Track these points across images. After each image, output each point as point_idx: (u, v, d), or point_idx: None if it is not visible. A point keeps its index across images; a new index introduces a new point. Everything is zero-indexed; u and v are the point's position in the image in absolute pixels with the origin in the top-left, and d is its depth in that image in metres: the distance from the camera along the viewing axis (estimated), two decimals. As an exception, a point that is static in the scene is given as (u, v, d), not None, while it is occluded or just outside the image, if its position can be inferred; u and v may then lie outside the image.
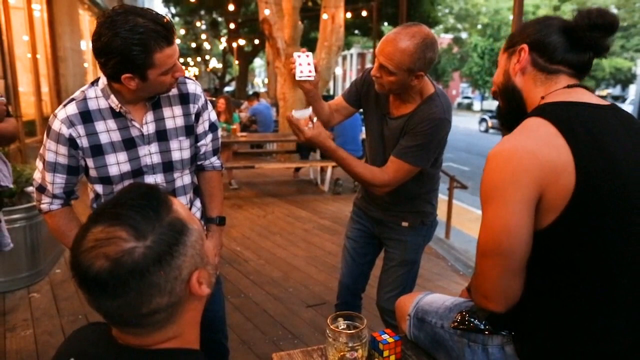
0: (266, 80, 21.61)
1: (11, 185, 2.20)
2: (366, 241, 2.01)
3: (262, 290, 3.29)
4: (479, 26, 30.75)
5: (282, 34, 8.06)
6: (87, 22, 8.98)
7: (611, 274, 0.94)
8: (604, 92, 36.15)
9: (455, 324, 1.16)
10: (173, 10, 19.86)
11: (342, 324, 1.17)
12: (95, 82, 1.39)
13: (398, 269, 1.92)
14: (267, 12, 7.92)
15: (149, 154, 1.44)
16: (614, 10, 29.73)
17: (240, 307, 3.00)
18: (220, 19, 20.30)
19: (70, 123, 1.33)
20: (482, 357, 1.10)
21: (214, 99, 6.94)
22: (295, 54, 1.57)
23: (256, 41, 18.82)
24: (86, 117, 1.35)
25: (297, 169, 7.34)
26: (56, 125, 1.34)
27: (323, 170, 6.65)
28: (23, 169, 3.50)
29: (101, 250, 0.65)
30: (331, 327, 1.13)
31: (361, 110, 1.93)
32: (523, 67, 1.07)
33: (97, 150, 1.37)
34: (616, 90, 35.99)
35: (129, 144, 1.40)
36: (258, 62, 38.34)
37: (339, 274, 2.12)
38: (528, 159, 0.91)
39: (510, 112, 1.12)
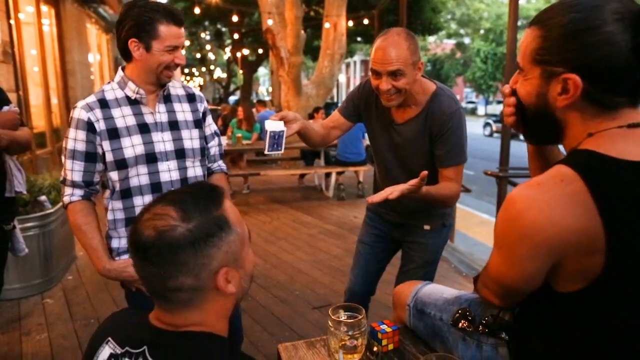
0: (270, 89, 21.76)
1: (25, 192, 2.29)
2: (383, 246, 2.02)
3: (269, 294, 3.36)
4: (482, 31, 30.84)
5: (285, 43, 8.18)
6: (94, 35, 9.17)
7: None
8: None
9: (453, 321, 1.20)
10: (178, 21, 20.10)
11: (342, 314, 1.24)
12: (110, 81, 1.55)
13: (418, 270, 1.95)
14: (270, 22, 8.05)
15: (162, 141, 1.55)
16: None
17: (248, 310, 3.07)
18: (224, 30, 20.52)
19: (89, 108, 1.47)
20: (475, 352, 1.15)
21: (218, 107, 7.13)
22: (267, 127, 1.50)
23: (260, 50, 18.99)
24: (103, 103, 1.50)
25: (302, 176, 7.42)
26: (76, 112, 1.47)
27: (327, 176, 6.73)
28: (36, 178, 3.61)
29: (153, 222, 0.77)
30: (332, 317, 1.20)
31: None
32: (571, 103, 0.83)
33: (114, 133, 1.49)
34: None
35: (143, 129, 1.53)
36: (262, 71, 38.64)
37: (345, 277, 2.11)
38: (552, 232, 0.77)
39: (534, 130, 0.95)
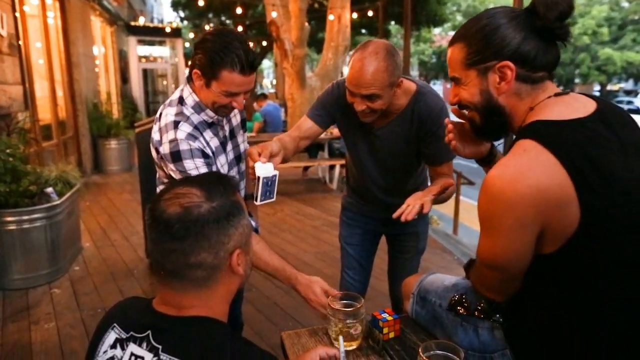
0: (274, 82, 21.74)
1: None
2: (370, 241, 2.04)
3: (273, 284, 3.39)
4: (487, 23, 30.57)
5: (289, 35, 8.16)
6: (98, 28, 9.18)
7: (608, 301, 0.92)
8: (616, 87, 35.73)
9: (449, 307, 1.24)
10: (182, 14, 20.03)
11: (341, 303, 1.27)
12: (180, 103, 1.51)
13: (414, 258, 1.99)
14: (274, 14, 8.03)
15: (228, 151, 1.63)
16: (625, 4, 29.38)
17: (252, 300, 3.11)
18: (228, 22, 20.49)
19: (193, 137, 1.46)
20: (473, 336, 1.19)
21: None
22: (258, 172, 1.30)
23: (264, 43, 18.94)
24: (198, 130, 1.50)
25: (306, 168, 7.44)
26: (184, 145, 1.43)
27: (331, 168, 6.74)
28: (42, 170, 3.65)
29: (178, 200, 0.82)
30: (331, 305, 1.23)
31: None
32: (510, 87, 0.98)
33: (214, 155, 1.54)
34: (628, 85, 35.53)
35: (223, 147, 1.60)
36: (266, 64, 38.48)
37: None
38: (531, 194, 0.86)
39: (491, 127, 1.06)
